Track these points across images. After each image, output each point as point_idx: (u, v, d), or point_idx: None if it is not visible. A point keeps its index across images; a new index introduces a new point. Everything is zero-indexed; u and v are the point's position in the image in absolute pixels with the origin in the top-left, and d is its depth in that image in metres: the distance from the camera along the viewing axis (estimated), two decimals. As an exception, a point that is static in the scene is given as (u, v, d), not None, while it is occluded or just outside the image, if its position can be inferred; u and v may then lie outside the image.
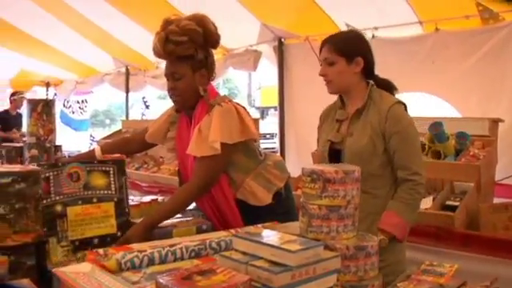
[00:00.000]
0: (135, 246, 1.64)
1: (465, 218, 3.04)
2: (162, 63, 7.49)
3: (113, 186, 1.95)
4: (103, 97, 9.80)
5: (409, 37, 4.34)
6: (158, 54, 2.17)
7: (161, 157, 5.54)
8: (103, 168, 1.95)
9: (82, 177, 1.88)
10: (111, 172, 1.96)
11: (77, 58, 7.98)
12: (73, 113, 9.88)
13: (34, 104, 2.50)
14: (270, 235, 1.42)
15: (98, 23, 6.48)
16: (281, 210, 2.22)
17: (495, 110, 3.84)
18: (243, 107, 2.23)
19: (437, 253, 2.95)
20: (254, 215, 2.12)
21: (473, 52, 4.02)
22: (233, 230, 1.84)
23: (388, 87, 2.16)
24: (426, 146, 3.44)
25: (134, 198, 2.37)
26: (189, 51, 2.13)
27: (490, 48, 3.94)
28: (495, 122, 3.51)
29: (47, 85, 9.72)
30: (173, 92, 2.20)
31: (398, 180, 2.06)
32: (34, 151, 2.47)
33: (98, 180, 1.93)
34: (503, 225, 2.91)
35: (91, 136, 10.03)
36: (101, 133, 12.23)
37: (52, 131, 2.58)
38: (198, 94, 2.18)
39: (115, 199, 1.93)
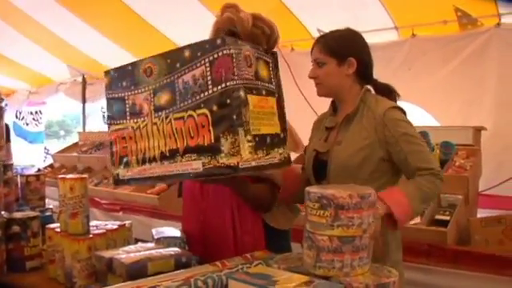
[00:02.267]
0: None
1: (456, 233, 2.86)
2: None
3: (273, 79, 1.66)
4: (58, 108, 9.31)
5: (384, 43, 4.17)
6: (243, 30, 1.86)
7: (122, 171, 5.19)
8: (265, 57, 1.65)
9: (253, 62, 1.56)
10: (270, 64, 1.67)
11: (29, 67, 7.51)
12: (27, 125, 9.35)
13: (-22, 117, 2.18)
14: (277, 276, 1.16)
15: (51, 29, 6.06)
16: (283, 234, 2.01)
17: (474, 118, 3.72)
18: None
19: (427, 271, 2.76)
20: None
21: (451, 58, 3.90)
22: (219, 263, 1.58)
23: (388, 92, 1.96)
24: (410, 157, 3.27)
25: (98, 224, 2.06)
26: (265, 44, 1.90)
27: (468, 54, 3.83)
28: (478, 131, 3.37)
29: (-3, 95, 9.17)
30: None
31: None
32: (-21, 172, 2.13)
33: (263, 71, 1.62)
34: (496, 239, 2.74)
35: (45, 149, 9.51)
36: (55, 145, 11.61)
37: (0, 148, 2.25)
38: None
39: (276, 95, 1.64)
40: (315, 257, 1.27)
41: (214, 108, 1.44)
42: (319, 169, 1.92)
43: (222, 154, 1.41)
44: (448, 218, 2.90)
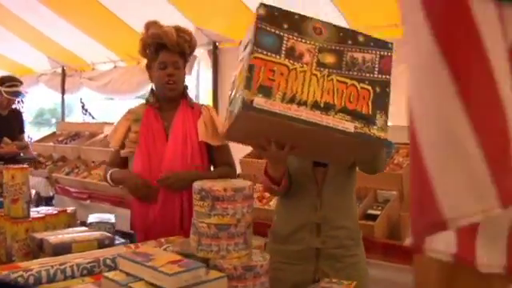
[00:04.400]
0: (22, 264, 1.57)
1: (386, 227, 3.06)
2: (98, 65, 7.23)
3: None
4: (39, 98, 9.44)
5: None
6: (170, 42, 2.30)
7: (93, 161, 5.39)
8: None
9: None
10: None
11: (10, 57, 7.66)
12: (10, 114, 9.46)
13: None
14: (156, 255, 1.38)
15: (32, 23, 6.25)
16: None
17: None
18: None
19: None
20: None
21: (399, 61, 4.05)
22: (132, 245, 1.80)
23: None
24: (351, 155, 3.47)
25: (40, 210, 2.27)
26: (188, 50, 2.40)
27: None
28: (419, 131, 3.57)
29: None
30: (172, 78, 2.35)
31: None
32: None
33: None
34: (422, 233, 2.94)
35: (29, 137, 9.66)
36: (46, 132, 11.74)
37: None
38: (182, 87, 2.45)
39: None
40: (197, 241, 1.48)
41: (378, 89, 1.71)
42: None
43: (375, 127, 1.68)
44: (379, 212, 3.10)
